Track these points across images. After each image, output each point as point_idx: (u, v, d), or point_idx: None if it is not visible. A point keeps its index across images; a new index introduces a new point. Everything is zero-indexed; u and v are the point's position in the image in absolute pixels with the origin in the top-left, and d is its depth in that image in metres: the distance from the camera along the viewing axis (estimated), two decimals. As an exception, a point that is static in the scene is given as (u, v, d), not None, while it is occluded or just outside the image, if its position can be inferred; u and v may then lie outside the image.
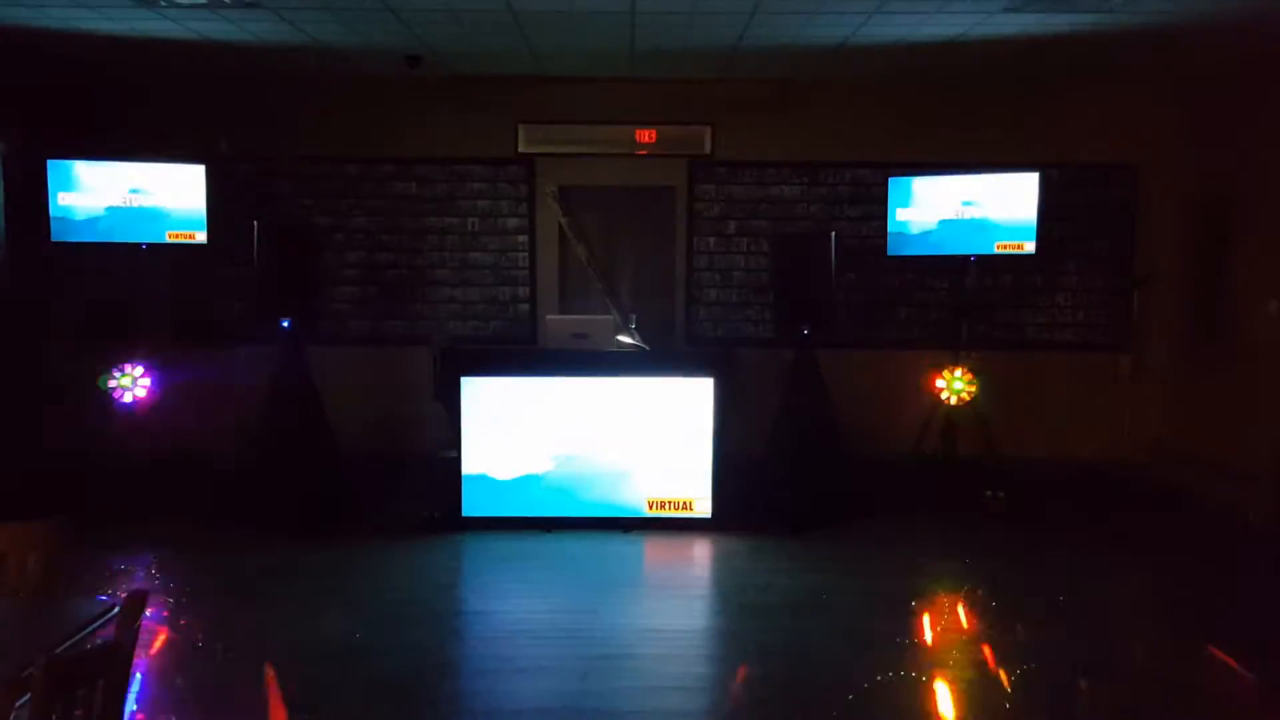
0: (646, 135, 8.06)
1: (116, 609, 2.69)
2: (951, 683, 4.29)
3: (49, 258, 7.25)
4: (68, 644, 2.56)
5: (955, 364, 7.00)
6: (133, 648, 2.53)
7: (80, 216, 6.82)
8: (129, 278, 7.08)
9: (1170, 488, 7.48)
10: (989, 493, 6.88)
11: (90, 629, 2.67)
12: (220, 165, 7.20)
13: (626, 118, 7.99)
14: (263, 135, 7.94)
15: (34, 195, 6.79)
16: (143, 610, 2.57)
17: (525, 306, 8.20)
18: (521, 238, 8.18)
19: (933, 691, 4.20)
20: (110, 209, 6.84)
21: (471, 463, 6.42)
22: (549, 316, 7.28)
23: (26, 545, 3.03)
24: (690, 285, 8.22)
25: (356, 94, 7.94)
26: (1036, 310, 8.12)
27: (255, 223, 6.63)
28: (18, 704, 2.14)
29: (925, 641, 4.78)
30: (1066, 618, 5.03)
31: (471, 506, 6.43)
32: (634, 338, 6.87)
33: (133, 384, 6.80)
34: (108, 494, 6.45)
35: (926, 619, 5.10)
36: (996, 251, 6.98)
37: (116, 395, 6.77)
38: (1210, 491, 7.15)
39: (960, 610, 5.17)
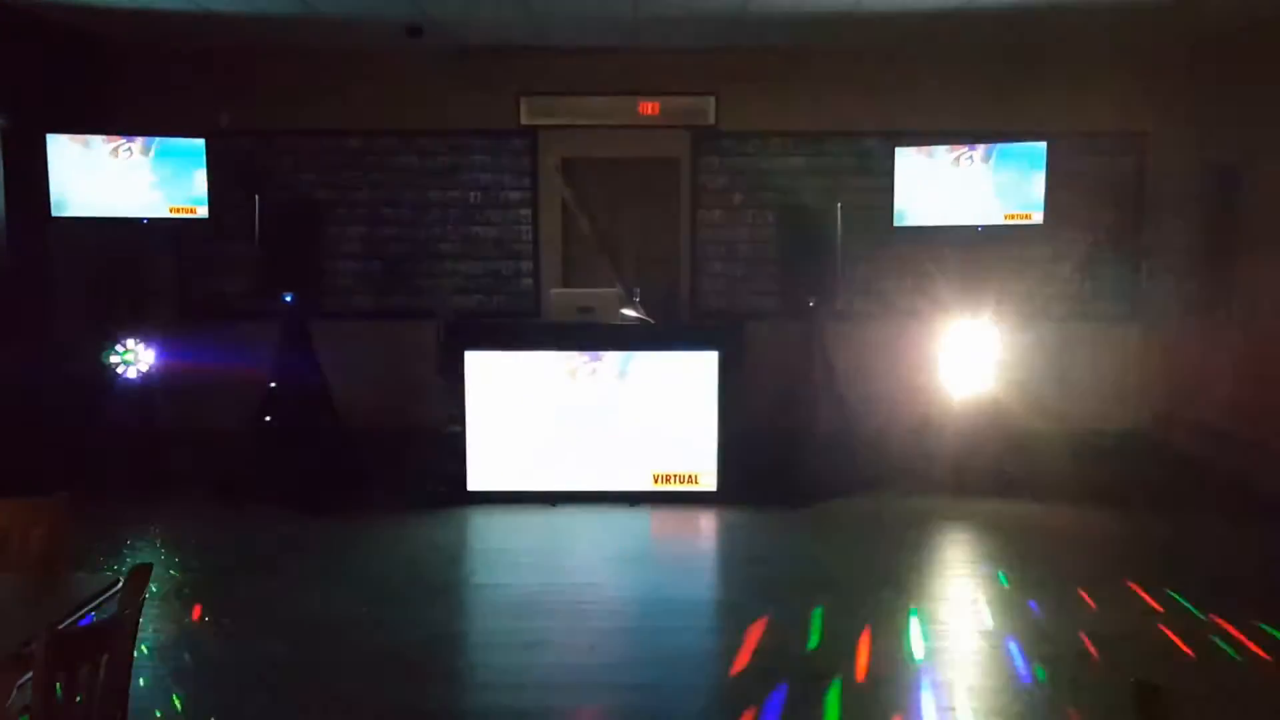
0: (650, 107, 7.99)
1: (120, 584, 2.68)
2: (958, 653, 4.29)
3: (50, 233, 7.20)
4: (70, 620, 2.55)
5: (962, 335, 6.95)
6: (136, 623, 2.51)
7: (80, 191, 6.77)
8: (131, 253, 7.05)
9: (1178, 457, 7.45)
10: (996, 464, 6.85)
11: (93, 604, 2.65)
12: (221, 139, 7.14)
13: (629, 88, 7.91)
14: (263, 109, 7.87)
15: (33, 170, 6.74)
16: (146, 585, 2.56)
17: (529, 280, 8.16)
18: (524, 211, 8.12)
19: (940, 662, 4.19)
20: (110, 184, 6.79)
21: (476, 437, 6.40)
22: (553, 290, 7.24)
23: (29, 521, 3.02)
24: (695, 258, 8.17)
25: (357, 67, 7.86)
26: (1044, 281, 8.06)
27: (256, 197, 6.59)
28: (20, 682, 2.13)
29: (933, 613, 4.77)
30: (1077, 588, 5.01)
31: (476, 480, 6.42)
32: (638, 311, 6.83)
33: (136, 359, 6.78)
34: (111, 470, 6.45)
35: (934, 590, 5.09)
36: (1004, 222, 6.91)
37: (120, 371, 6.75)
38: (1218, 461, 7.12)
39: (968, 581, 5.16)
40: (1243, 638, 4.33)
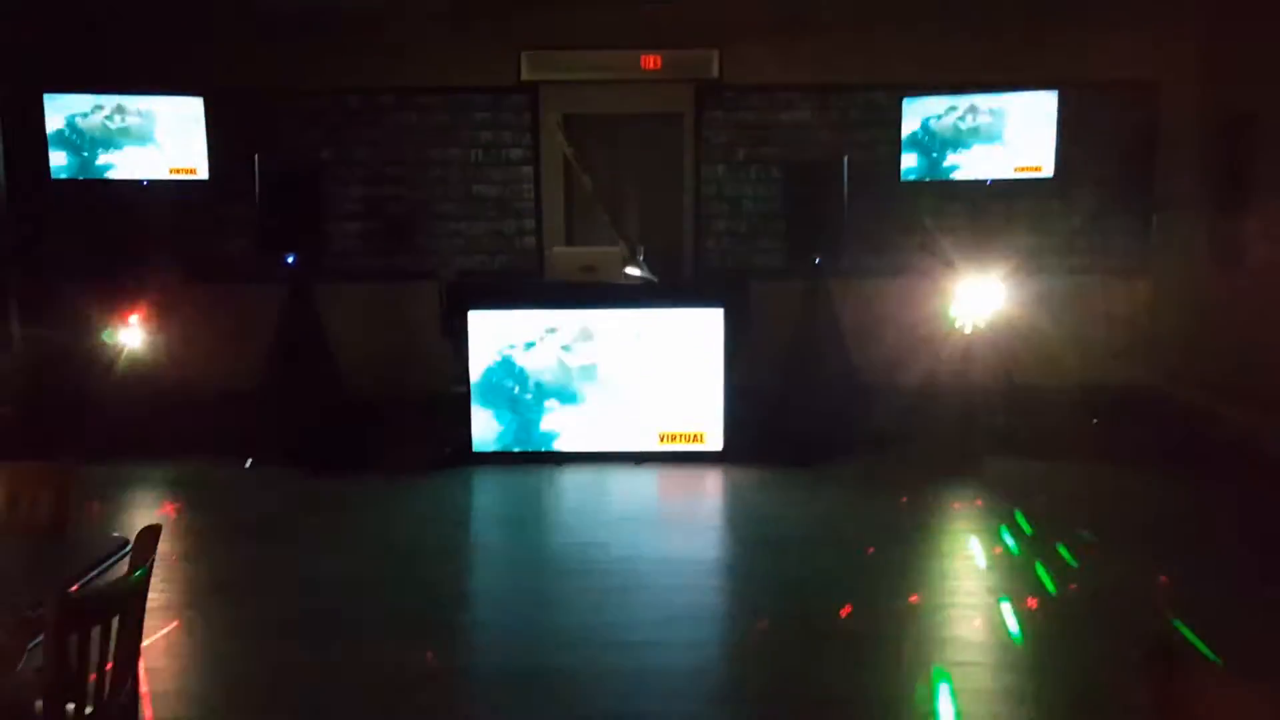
0: (652, 61, 7.87)
1: (130, 546, 2.67)
2: (964, 609, 4.30)
3: (49, 195, 7.15)
4: (81, 582, 2.55)
5: (970, 291, 6.90)
6: (147, 584, 2.51)
7: (79, 152, 6.71)
8: (131, 215, 7.00)
9: (1187, 414, 7.42)
10: (1003, 420, 6.84)
11: (104, 566, 2.65)
12: (219, 98, 7.05)
13: (632, 42, 7.78)
14: (261, 68, 7.76)
15: (32, 132, 6.68)
16: (156, 546, 2.55)
17: (531, 239, 8.10)
18: (526, 169, 8.04)
19: (947, 618, 4.20)
20: (110, 145, 6.73)
21: (480, 397, 6.39)
22: (555, 249, 7.19)
23: (37, 485, 3.01)
24: (699, 215, 8.09)
25: (354, 23, 7.72)
26: (1053, 235, 7.98)
27: (256, 156, 6.52)
28: (31, 644, 2.13)
29: (938, 569, 4.78)
30: (1082, 542, 5.02)
31: (482, 442, 6.42)
32: (642, 269, 6.78)
33: (132, 337, 6.75)
34: (116, 434, 6.45)
35: (939, 547, 5.09)
36: (1013, 175, 6.84)
37: (120, 347, 6.73)
38: (1227, 417, 7.09)
39: (972, 538, 5.16)
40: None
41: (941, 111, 6.90)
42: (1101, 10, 7.67)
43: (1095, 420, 6.77)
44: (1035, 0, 7.57)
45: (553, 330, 6.33)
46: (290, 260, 6.55)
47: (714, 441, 6.41)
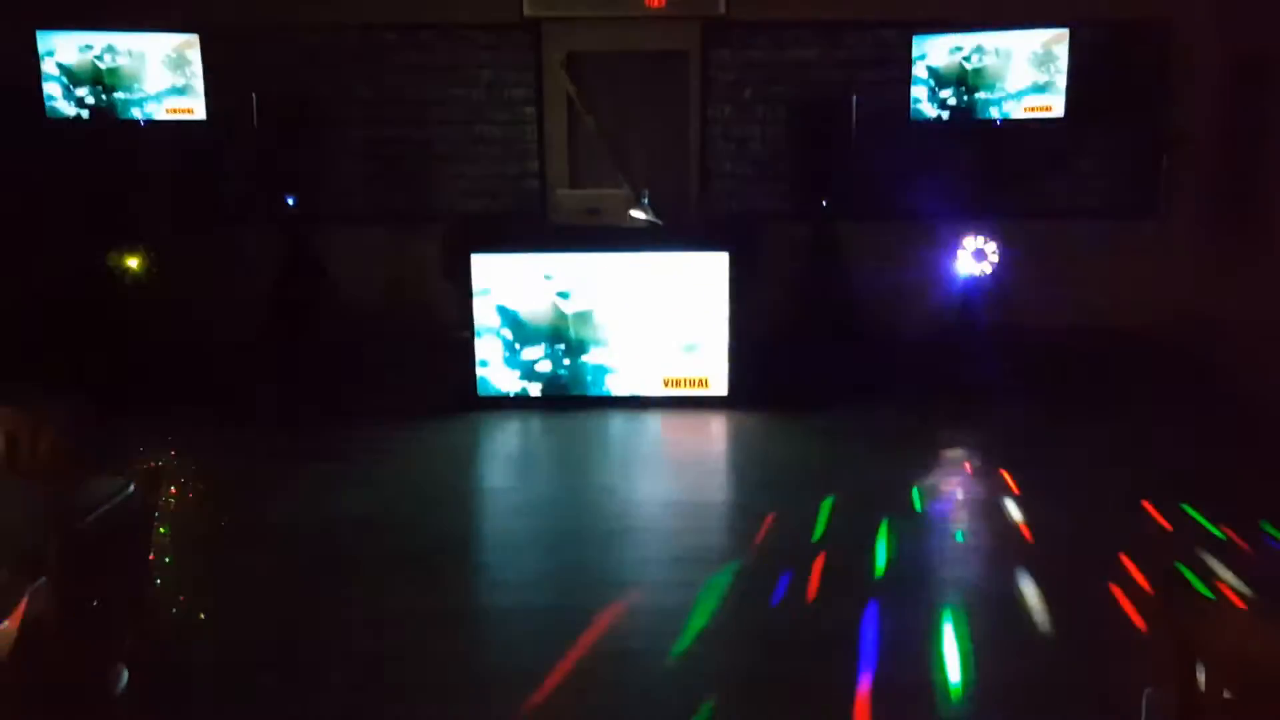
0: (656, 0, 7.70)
1: (132, 487, 2.66)
2: (970, 550, 4.30)
3: (45, 136, 7.05)
4: (84, 523, 2.53)
5: (978, 234, 6.83)
6: (151, 525, 2.50)
7: (74, 93, 6.61)
8: (129, 157, 6.92)
9: (1195, 357, 7.38)
10: (1009, 365, 6.80)
11: (106, 507, 2.64)
12: (215, 34, 6.91)
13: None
14: (259, 3, 7.59)
15: (25, 71, 6.57)
16: (159, 487, 2.53)
17: (534, 182, 7.99)
18: (529, 109, 7.91)
19: (954, 559, 4.21)
20: (106, 84, 6.62)
21: (483, 342, 6.35)
22: (559, 191, 7.10)
23: (37, 427, 2.98)
24: (704, 157, 7.97)
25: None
26: (1062, 176, 7.87)
27: (254, 95, 6.41)
28: (33, 586, 2.12)
29: (942, 511, 4.78)
30: (1080, 488, 5.02)
31: (485, 386, 6.40)
32: (647, 212, 6.70)
33: (138, 267, 6.72)
34: (118, 377, 6.43)
35: (942, 490, 5.09)
36: (1024, 115, 6.72)
37: (123, 279, 6.69)
38: (1237, 361, 7.05)
39: (976, 480, 5.15)
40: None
41: (951, 49, 6.76)
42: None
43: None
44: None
45: (554, 274, 6.27)
46: (291, 201, 6.48)
47: (718, 386, 6.38)
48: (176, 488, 4.98)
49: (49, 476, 2.93)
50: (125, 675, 2.50)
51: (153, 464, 2.51)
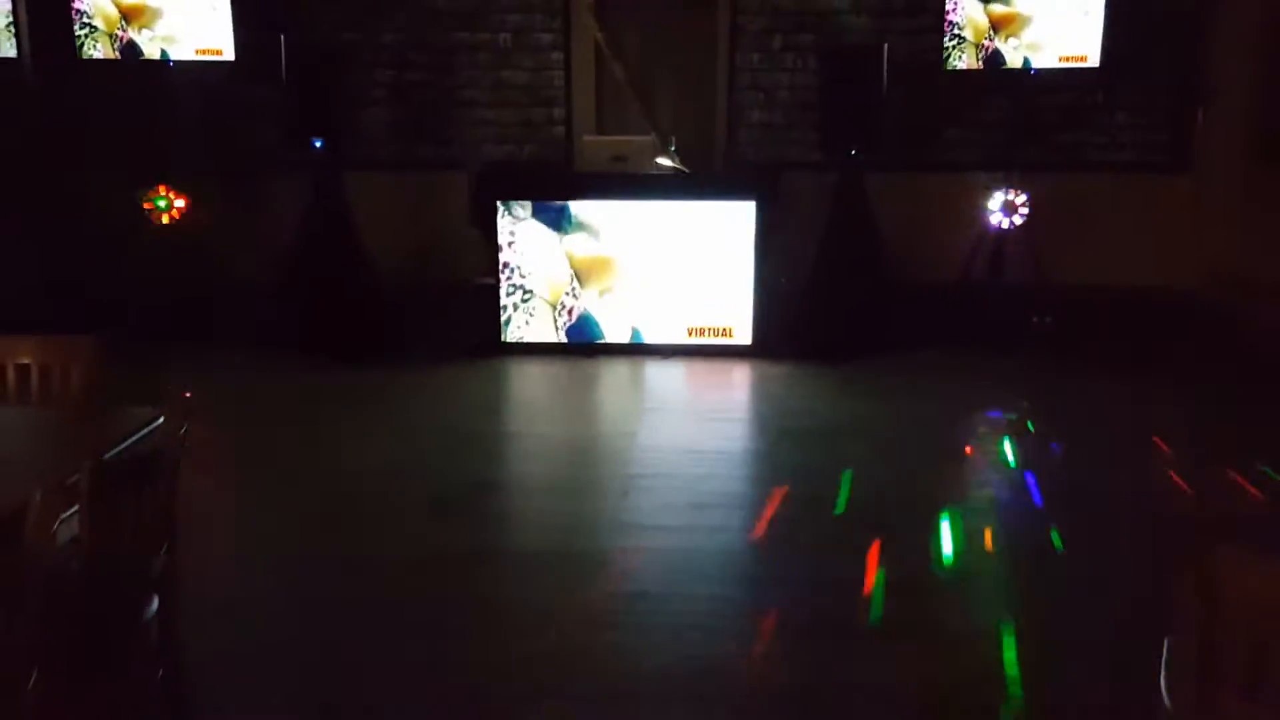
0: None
1: (161, 419, 2.69)
2: (987, 506, 4.30)
3: (77, 77, 7.05)
4: (114, 452, 2.57)
5: (1008, 186, 6.73)
6: (179, 454, 2.54)
7: (103, 32, 6.62)
8: (157, 98, 6.92)
9: (1228, 316, 7.27)
10: (1036, 319, 6.74)
11: (136, 437, 2.67)
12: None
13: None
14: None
15: (58, 11, 6.57)
16: (187, 418, 2.57)
17: (560, 129, 7.93)
18: (556, 55, 7.82)
19: (970, 513, 4.21)
20: (134, 22, 6.62)
21: (510, 289, 6.35)
22: (585, 137, 7.05)
23: (67, 359, 3.03)
24: (732, 105, 7.87)
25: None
26: (1095, 129, 7.71)
27: (282, 37, 6.38)
28: (64, 515, 2.15)
29: (962, 466, 4.77)
30: (1102, 444, 4.99)
31: (511, 332, 6.42)
32: (673, 160, 6.64)
33: (168, 206, 6.75)
34: (147, 318, 6.49)
35: (964, 445, 5.07)
36: (1057, 65, 6.59)
37: (153, 218, 6.73)
38: (1269, 320, 6.95)
39: (999, 436, 5.13)
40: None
41: (988, -3, 6.62)
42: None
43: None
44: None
45: (583, 222, 6.25)
46: (318, 144, 6.46)
47: (743, 336, 6.37)
48: (203, 424, 5.05)
49: (79, 407, 2.98)
50: (155, 602, 2.55)
51: (182, 396, 2.54)
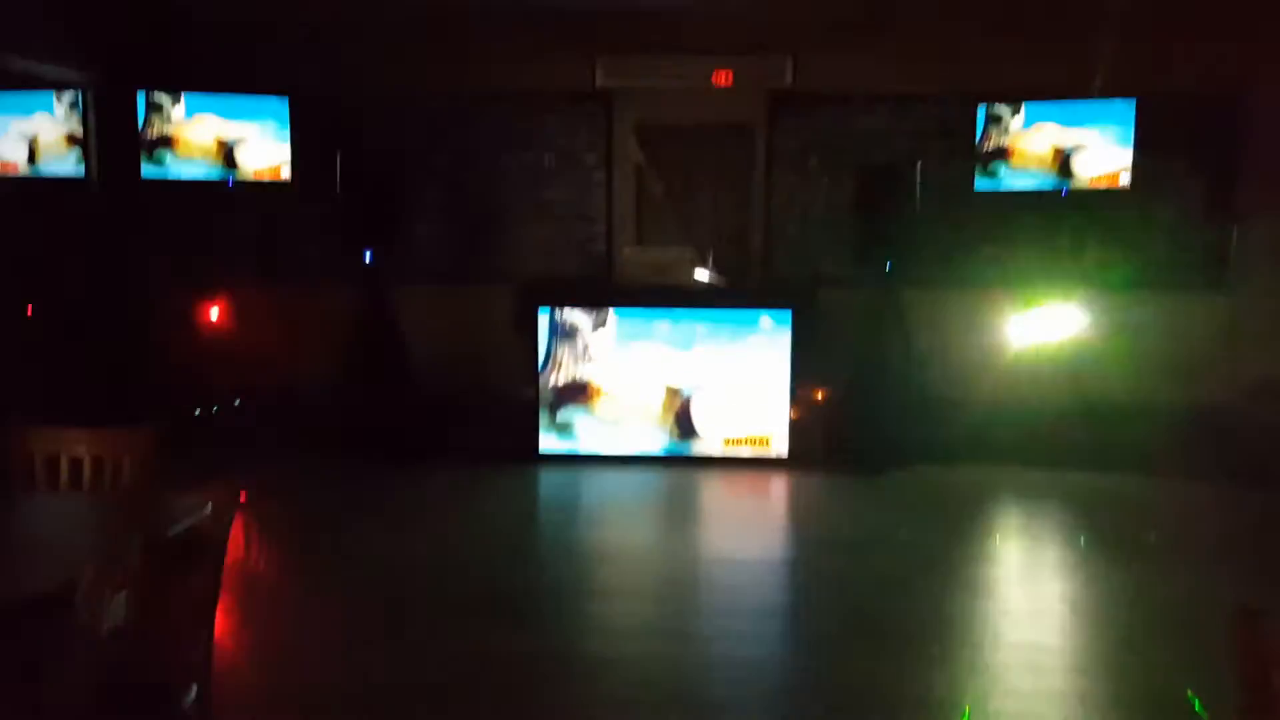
0: (724, 77, 7.87)
1: (210, 506, 2.75)
2: (1029, 613, 4.21)
3: (140, 195, 7.39)
4: (164, 536, 2.62)
5: (1042, 304, 6.79)
6: (226, 539, 2.58)
7: (170, 153, 6.97)
8: (215, 214, 7.23)
9: (1267, 432, 7.17)
10: (1065, 435, 6.69)
11: (185, 524, 2.73)
12: (302, 98, 7.24)
13: (703, 47, 7.78)
14: (345, 71, 7.91)
15: (124, 131, 6.93)
16: (236, 505, 2.63)
17: (602, 246, 8.15)
18: (598, 174, 8.11)
19: (1012, 621, 4.12)
20: (196, 143, 6.98)
21: (549, 398, 6.44)
22: (626, 249, 7.23)
23: (121, 450, 3.12)
24: (769, 221, 8.07)
25: (430, 26, 7.85)
26: (1129, 248, 7.78)
27: (339, 153, 6.69)
28: (115, 596, 2.19)
29: (1001, 576, 4.69)
30: (1147, 556, 4.89)
31: (549, 442, 6.47)
32: (712, 274, 6.79)
33: (222, 315, 6.99)
34: (197, 421, 6.64)
35: (1002, 553, 4.99)
36: (1089, 186, 6.71)
37: (213, 326, 6.97)
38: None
39: (1032, 549, 5.05)
40: None
41: (1016, 119, 6.81)
42: (1182, 19, 7.48)
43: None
44: (1115, 9, 7.41)
45: (621, 334, 6.37)
46: (369, 255, 6.70)
47: (779, 447, 6.38)
48: (251, 517, 5.12)
49: (131, 495, 3.05)
50: (195, 690, 2.56)
51: (229, 487, 2.62)
